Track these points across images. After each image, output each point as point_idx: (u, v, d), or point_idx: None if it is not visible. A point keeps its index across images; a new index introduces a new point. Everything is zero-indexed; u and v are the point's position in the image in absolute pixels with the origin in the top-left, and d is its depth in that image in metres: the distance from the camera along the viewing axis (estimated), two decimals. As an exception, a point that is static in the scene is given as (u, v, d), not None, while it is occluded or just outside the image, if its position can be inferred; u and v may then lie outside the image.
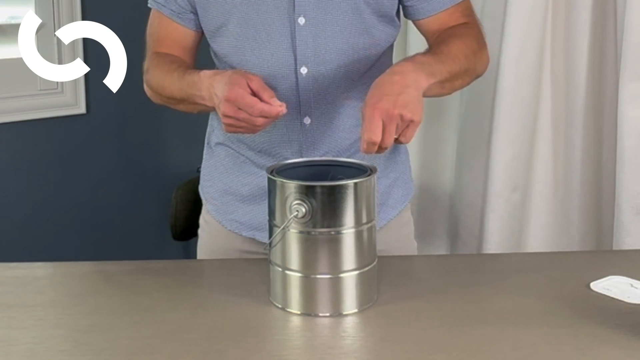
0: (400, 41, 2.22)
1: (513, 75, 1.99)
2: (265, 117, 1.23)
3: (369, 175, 1.19)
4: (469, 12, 1.47)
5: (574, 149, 2.06)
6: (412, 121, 1.20)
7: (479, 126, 2.17)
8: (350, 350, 1.09)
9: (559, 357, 1.06)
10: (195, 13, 1.43)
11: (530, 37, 1.98)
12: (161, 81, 1.42)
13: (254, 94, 1.24)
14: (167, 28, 1.47)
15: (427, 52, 1.38)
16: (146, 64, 1.48)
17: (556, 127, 2.06)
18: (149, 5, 1.49)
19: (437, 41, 1.42)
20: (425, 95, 1.27)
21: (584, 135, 2.04)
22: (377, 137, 1.18)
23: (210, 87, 1.29)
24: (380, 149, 1.20)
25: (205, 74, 1.32)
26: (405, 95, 1.21)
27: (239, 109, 1.23)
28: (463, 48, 1.37)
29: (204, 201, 1.58)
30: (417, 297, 1.25)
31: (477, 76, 1.44)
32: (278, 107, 1.23)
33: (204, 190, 1.58)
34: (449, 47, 1.37)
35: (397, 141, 1.21)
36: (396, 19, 1.46)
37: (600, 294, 1.25)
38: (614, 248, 1.93)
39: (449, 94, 1.39)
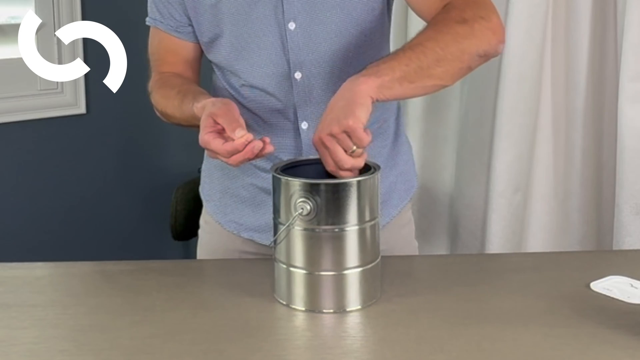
0: (400, 39, 2.23)
1: (514, 75, 2.00)
2: (235, 153, 1.18)
3: (372, 173, 1.19)
4: None
5: (574, 149, 2.06)
6: (345, 130, 1.15)
7: (479, 126, 2.17)
8: (351, 350, 1.09)
9: (559, 357, 1.06)
10: (193, 25, 1.44)
11: (531, 37, 1.98)
12: (164, 107, 1.42)
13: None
14: (168, 44, 1.47)
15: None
16: (150, 86, 1.47)
17: (557, 127, 2.06)
18: (147, 23, 1.49)
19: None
20: (390, 96, 1.21)
21: (584, 135, 2.04)
22: (331, 166, 1.17)
23: None
24: (349, 169, 1.17)
25: (197, 108, 1.28)
26: (332, 113, 1.18)
27: (215, 153, 1.20)
28: (434, 34, 1.26)
29: (204, 202, 1.58)
30: (417, 296, 1.25)
31: (480, 56, 1.28)
32: (239, 139, 1.17)
33: (204, 191, 1.58)
34: (413, 40, 1.27)
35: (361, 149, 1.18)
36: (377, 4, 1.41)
37: (600, 294, 1.25)
38: (614, 248, 1.93)
39: (438, 84, 1.27)
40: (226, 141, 1.18)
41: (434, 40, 1.25)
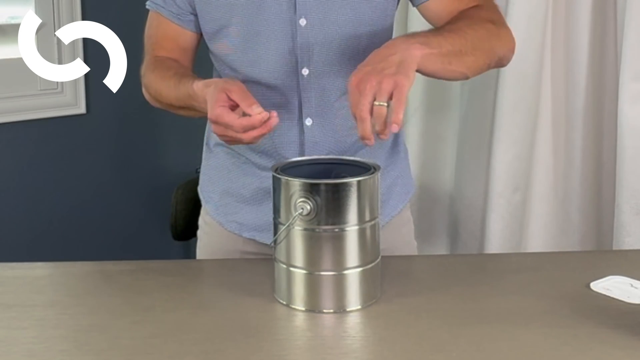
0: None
1: (514, 75, 1.99)
2: (250, 129, 1.19)
3: (372, 173, 1.19)
4: None
5: (574, 149, 2.06)
6: (395, 83, 1.13)
7: (479, 126, 2.17)
8: (350, 350, 1.09)
9: (559, 357, 1.06)
10: (195, 14, 1.43)
11: (531, 37, 1.98)
12: (158, 88, 1.41)
13: (237, 105, 1.21)
14: (167, 30, 1.46)
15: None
16: (143, 68, 1.47)
17: (556, 127, 2.06)
18: (147, 6, 1.48)
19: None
20: (428, 70, 1.21)
21: (584, 135, 2.04)
22: (356, 109, 1.15)
23: (205, 101, 1.26)
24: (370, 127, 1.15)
25: (198, 86, 1.29)
26: (385, 62, 1.16)
27: (226, 127, 1.20)
28: (471, 24, 1.29)
29: (203, 202, 1.58)
30: (417, 296, 1.25)
31: (499, 58, 1.34)
32: (257, 115, 1.18)
33: (203, 192, 1.58)
34: (453, 24, 1.29)
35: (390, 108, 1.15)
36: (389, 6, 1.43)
37: (600, 294, 1.25)
38: (614, 248, 1.93)
39: (464, 73, 1.29)
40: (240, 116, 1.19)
41: (473, 30, 1.27)
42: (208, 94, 1.25)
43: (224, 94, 1.21)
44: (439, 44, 1.22)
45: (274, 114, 1.20)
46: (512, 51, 1.37)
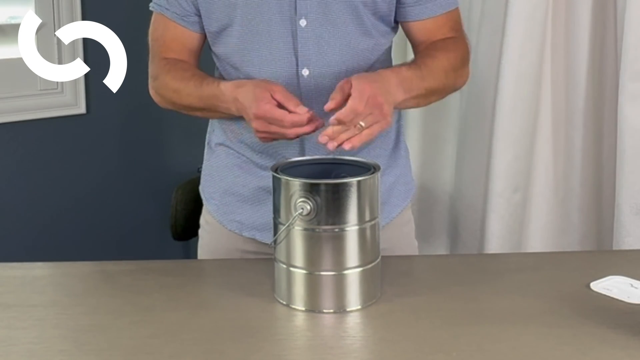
0: (400, 43, 2.23)
1: (514, 75, 1.99)
2: (298, 126, 1.27)
3: (372, 173, 1.19)
4: (457, 26, 1.49)
5: (574, 149, 2.06)
6: (382, 119, 1.25)
7: (479, 126, 2.17)
8: (350, 350, 1.10)
9: (559, 357, 1.06)
10: (199, 15, 1.43)
11: (531, 37, 1.98)
12: (176, 89, 1.43)
13: (280, 105, 1.27)
14: (173, 32, 1.47)
15: (413, 63, 1.39)
16: (154, 71, 1.47)
17: (556, 127, 2.06)
18: (150, 8, 1.48)
19: (424, 53, 1.43)
20: (397, 107, 1.35)
21: (584, 135, 2.04)
22: (361, 108, 1.22)
23: (236, 101, 1.33)
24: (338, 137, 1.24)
25: (227, 87, 1.35)
26: (384, 95, 1.26)
27: (270, 123, 1.27)
28: (446, 65, 1.41)
29: (204, 201, 1.58)
30: (417, 296, 1.25)
31: (455, 90, 1.50)
32: (306, 114, 1.26)
33: (204, 191, 1.58)
34: (434, 62, 1.40)
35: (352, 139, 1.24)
36: (393, 21, 1.46)
37: (600, 294, 1.25)
38: (614, 248, 1.93)
39: (422, 106, 1.50)
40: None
41: (445, 72, 1.40)
42: (241, 93, 1.32)
43: (268, 93, 1.28)
44: (417, 89, 1.36)
45: (322, 122, 1.28)
46: (466, 82, 1.50)
